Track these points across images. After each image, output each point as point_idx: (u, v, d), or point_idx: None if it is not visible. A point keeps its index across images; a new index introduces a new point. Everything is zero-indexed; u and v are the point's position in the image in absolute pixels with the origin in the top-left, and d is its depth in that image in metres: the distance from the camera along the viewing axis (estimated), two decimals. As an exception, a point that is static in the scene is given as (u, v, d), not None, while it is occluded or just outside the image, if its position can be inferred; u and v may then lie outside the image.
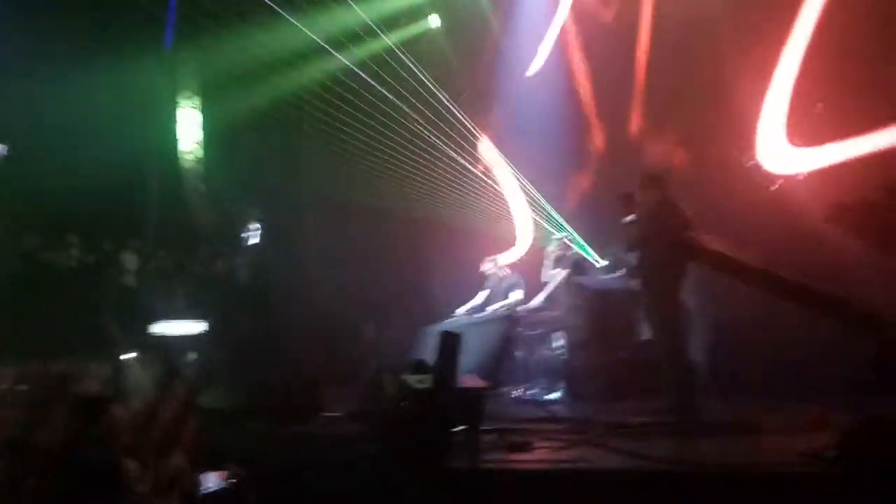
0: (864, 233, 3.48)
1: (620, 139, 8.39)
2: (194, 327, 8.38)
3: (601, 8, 9.11)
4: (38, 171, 8.65)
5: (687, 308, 5.93)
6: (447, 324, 7.74)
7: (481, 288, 8.38)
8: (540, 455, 3.73)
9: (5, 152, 9.16)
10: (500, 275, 8.15)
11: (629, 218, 5.91)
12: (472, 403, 4.06)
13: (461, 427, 4.07)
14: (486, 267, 8.20)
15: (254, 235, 9.79)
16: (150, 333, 7.87)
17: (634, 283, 6.88)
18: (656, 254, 5.55)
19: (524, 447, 3.84)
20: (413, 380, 4.13)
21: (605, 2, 9.08)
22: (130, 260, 8.46)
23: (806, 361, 5.48)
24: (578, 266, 7.55)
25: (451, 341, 4.03)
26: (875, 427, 2.87)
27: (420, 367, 4.60)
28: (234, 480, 2.98)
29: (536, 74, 9.59)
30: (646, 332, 6.44)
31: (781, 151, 6.73)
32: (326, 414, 5.30)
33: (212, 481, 2.94)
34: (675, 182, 5.70)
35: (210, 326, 8.41)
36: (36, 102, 8.34)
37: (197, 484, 2.96)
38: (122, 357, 6.63)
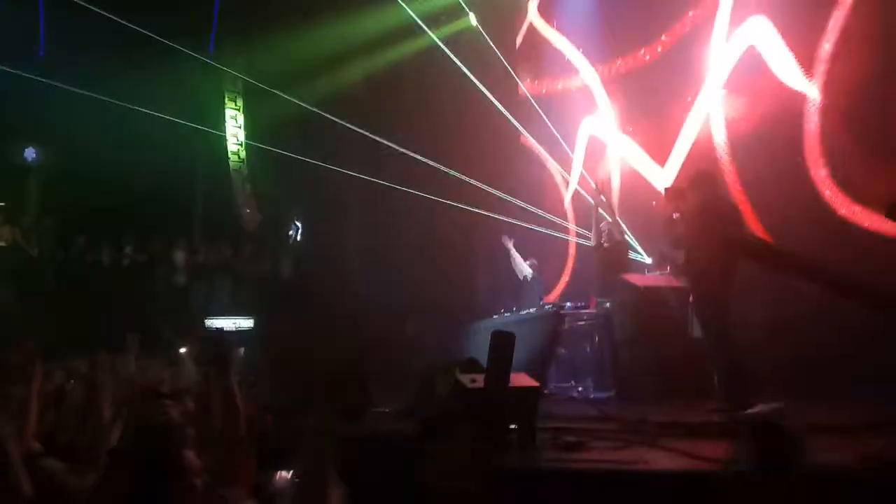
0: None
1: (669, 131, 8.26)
2: (243, 323, 8.59)
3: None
4: (88, 175, 8.94)
5: (737, 305, 5.83)
6: (492, 321, 7.76)
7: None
8: (596, 455, 3.71)
9: (35, 156, 9.48)
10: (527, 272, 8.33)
11: (677, 214, 5.85)
12: (526, 402, 4.07)
13: (515, 426, 4.09)
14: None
15: (297, 234, 9.97)
16: (201, 329, 8.09)
17: (682, 280, 6.82)
18: (705, 251, 5.47)
19: (580, 447, 3.82)
20: (466, 379, 4.15)
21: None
22: (180, 259, 8.71)
23: (861, 360, 5.34)
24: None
25: (504, 340, 4.03)
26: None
27: (471, 366, 4.63)
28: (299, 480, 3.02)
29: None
30: (695, 330, 6.37)
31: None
32: (376, 410, 5.35)
33: (279, 481, 2.99)
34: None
35: (257, 322, 8.61)
36: (86, 108, 8.62)
37: (264, 480, 3.02)
38: (175, 352, 6.81)
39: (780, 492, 2.42)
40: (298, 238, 10.21)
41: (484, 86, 9.07)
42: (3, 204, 8.34)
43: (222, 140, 9.77)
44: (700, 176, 5.70)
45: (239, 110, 10.01)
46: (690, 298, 6.39)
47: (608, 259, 7.36)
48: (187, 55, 8.73)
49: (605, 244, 7.43)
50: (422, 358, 7.43)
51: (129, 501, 2.34)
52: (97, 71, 8.73)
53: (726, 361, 5.32)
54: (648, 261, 7.75)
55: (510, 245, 8.66)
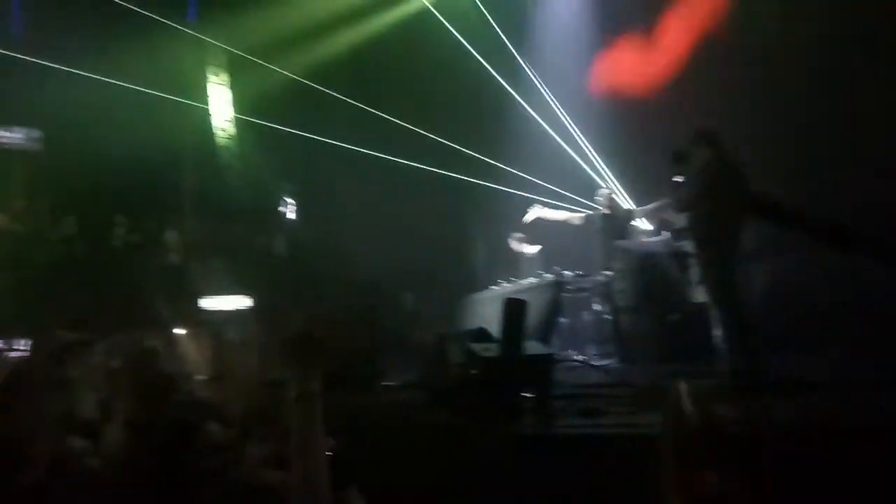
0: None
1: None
2: (240, 302, 8.48)
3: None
4: (72, 157, 8.71)
5: (744, 268, 5.81)
6: (492, 292, 7.72)
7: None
8: (613, 420, 3.70)
9: (37, 137, 9.24)
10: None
11: (680, 178, 5.77)
12: (541, 370, 4.04)
13: (530, 394, 4.06)
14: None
15: (290, 209, 9.83)
16: (197, 309, 7.98)
17: (682, 245, 6.79)
18: (711, 214, 5.41)
19: (596, 412, 3.81)
20: (479, 348, 4.12)
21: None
22: (172, 239, 8.58)
23: (867, 317, 5.35)
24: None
25: (517, 308, 3.99)
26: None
27: (482, 336, 4.59)
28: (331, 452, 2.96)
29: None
30: (699, 295, 6.37)
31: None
32: (385, 383, 5.32)
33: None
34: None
35: (254, 301, 8.50)
36: (67, 87, 8.38)
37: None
38: (174, 332, 6.73)
39: None
40: (290, 215, 10.07)
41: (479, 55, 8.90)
42: None
43: (209, 115, 9.53)
44: (701, 134, 5.62)
45: (224, 84, 9.76)
46: (692, 262, 6.37)
47: (610, 227, 7.33)
48: (168, 27, 8.48)
49: (609, 212, 7.39)
50: (425, 330, 7.38)
51: (151, 478, 2.25)
52: (74, 46, 8.47)
53: (735, 322, 5.31)
54: (649, 227, 7.72)
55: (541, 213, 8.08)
